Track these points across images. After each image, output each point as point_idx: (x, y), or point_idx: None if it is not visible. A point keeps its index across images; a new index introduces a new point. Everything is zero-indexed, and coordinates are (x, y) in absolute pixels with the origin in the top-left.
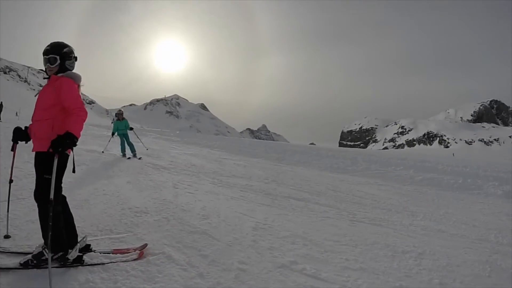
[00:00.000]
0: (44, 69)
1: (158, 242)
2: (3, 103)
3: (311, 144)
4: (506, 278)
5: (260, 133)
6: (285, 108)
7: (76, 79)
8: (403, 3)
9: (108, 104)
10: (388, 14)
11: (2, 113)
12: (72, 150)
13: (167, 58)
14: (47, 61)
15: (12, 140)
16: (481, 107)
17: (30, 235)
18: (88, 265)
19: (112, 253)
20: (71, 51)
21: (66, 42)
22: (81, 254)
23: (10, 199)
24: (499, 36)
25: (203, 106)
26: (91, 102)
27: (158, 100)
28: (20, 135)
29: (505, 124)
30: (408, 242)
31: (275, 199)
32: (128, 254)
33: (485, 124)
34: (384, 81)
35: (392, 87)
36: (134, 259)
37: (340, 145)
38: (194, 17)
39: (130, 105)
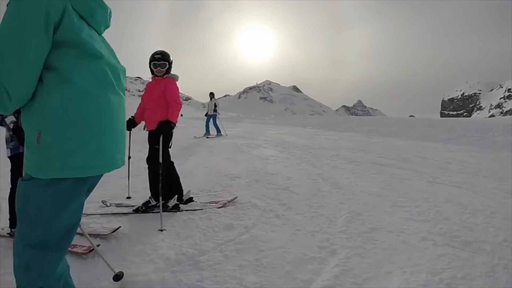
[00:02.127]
0: (151, 71)
1: (246, 196)
2: None
3: (410, 116)
4: None
5: (356, 109)
6: (380, 80)
7: (176, 79)
8: None
9: (204, 98)
10: None
11: None
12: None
13: (253, 45)
14: (158, 65)
15: (126, 129)
16: None
17: (144, 196)
18: (185, 210)
19: (209, 203)
20: (171, 57)
21: (156, 48)
22: (178, 203)
23: (130, 173)
24: None
25: (295, 88)
26: (188, 99)
27: (250, 88)
28: (130, 125)
29: None
30: (483, 203)
31: (359, 165)
32: (220, 203)
33: None
34: (484, 39)
35: (493, 44)
36: (220, 207)
37: (442, 115)
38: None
39: (225, 96)
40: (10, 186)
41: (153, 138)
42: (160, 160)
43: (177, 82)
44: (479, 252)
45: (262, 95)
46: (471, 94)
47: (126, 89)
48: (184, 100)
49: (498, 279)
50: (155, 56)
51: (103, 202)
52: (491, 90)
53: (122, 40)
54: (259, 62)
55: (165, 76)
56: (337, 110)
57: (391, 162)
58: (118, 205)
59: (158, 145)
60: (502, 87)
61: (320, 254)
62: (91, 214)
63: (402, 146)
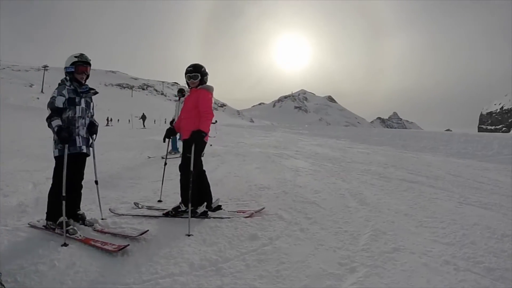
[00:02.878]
0: (187, 83)
1: (274, 207)
2: (145, 114)
3: (447, 130)
4: None
5: (391, 122)
6: (416, 92)
7: (210, 90)
8: None
9: (239, 105)
10: None
11: (145, 121)
12: (206, 140)
13: (289, 54)
14: (191, 77)
15: (165, 136)
16: None
17: (175, 201)
18: (213, 217)
19: (237, 212)
20: (205, 69)
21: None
22: (206, 210)
23: (164, 177)
24: None
25: (330, 98)
26: (223, 105)
27: (285, 97)
28: (169, 133)
29: None
30: None
31: (389, 181)
32: (247, 213)
33: None
34: None
35: None
36: (247, 217)
37: (480, 130)
38: (309, 9)
39: (259, 104)
40: (51, 182)
41: (186, 147)
42: (191, 168)
43: (212, 93)
44: (501, 280)
45: (297, 104)
46: (510, 108)
47: (163, 94)
48: (219, 106)
49: None
50: (188, 69)
51: (135, 204)
52: None
53: (158, 47)
54: (294, 71)
55: (198, 88)
56: (372, 122)
57: (422, 180)
58: (149, 208)
59: (190, 153)
60: None
61: (339, 271)
62: (123, 215)
63: (435, 163)
